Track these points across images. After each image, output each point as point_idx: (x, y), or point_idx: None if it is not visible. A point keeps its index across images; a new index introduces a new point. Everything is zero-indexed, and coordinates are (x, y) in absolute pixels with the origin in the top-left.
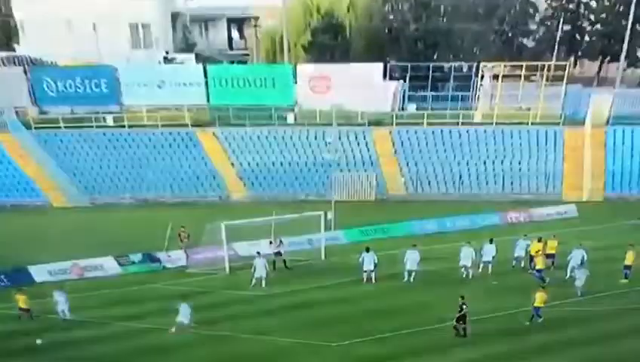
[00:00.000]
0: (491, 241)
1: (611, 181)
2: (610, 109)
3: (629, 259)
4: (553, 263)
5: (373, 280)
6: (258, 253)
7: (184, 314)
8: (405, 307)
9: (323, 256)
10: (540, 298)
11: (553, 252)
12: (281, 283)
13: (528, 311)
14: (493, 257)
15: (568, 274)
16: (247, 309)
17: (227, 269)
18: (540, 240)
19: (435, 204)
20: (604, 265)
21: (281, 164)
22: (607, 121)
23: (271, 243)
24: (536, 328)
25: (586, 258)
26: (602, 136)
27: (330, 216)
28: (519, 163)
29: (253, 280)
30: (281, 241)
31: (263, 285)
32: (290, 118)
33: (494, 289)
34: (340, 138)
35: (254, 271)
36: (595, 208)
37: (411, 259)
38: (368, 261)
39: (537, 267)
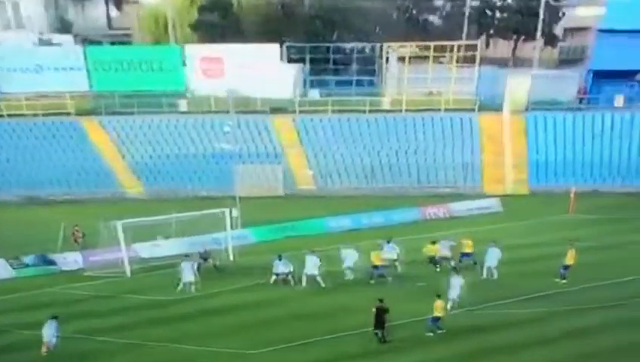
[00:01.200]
0: (389, 241)
1: (535, 172)
2: (529, 93)
3: (570, 258)
4: (475, 263)
5: (293, 283)
6: (186, 255)
7: (48, 334)
8: (326, 310)
9: (231, 257)
10: (439, 307)
11: (470, 251)
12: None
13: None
14: (396, 259)
15: (484, 275)
16: (155, 315)
17: (128, 272)
18: (434, 243)
19: (349, 199)
20: (534, 264)
21: (177, 156)
22: (526, 107)
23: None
24: (467, 332)
25: (499, 257)
26: (522, 123)
27: (235, 213)
28: (434, 153)
29: (181, 285)
30: (201, 256)
31: (192, 290)
32: (183, 106)
33: (417, 291)
34: (239, 127)
35: (181, 275)
36: (520, 202)
37: (310, 264)
38: (284, 264)
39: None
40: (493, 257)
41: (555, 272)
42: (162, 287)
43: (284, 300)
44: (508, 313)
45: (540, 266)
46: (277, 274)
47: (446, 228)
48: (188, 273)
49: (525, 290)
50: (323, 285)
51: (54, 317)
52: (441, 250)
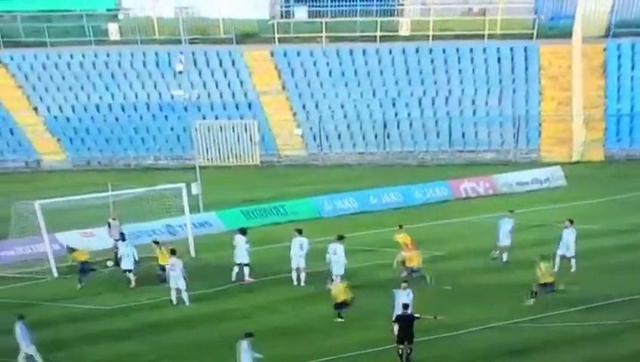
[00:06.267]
0: (340, 239)
1: (615, 130)
2: (611, 13)
3: (545, 274)
4: (427, 278)
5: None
6: (172, 251)
7: (25, 342)
8: (320, 325)
9: (193, 252)
10: (340, 291)
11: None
12: (133, 290)
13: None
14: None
15: (555, 267)
16: (88, 330)
17: (54, 271)
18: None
19: (352, 169)
20: (609, 258)
21: (110, 107)
22: (607, 32)
23: (109, 225)
24: (523, 346)
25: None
26: (599, 56)
27: (195, 189)
28: (472, 102)
29: (173, 293)
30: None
31: (186, 301)
32: (114, 32)
33: (449, 296)
34: (195, 64)
35: (168, 280)
36: (592, 172)
37: (296, 252)
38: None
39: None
40: (569, 242)
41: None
42: (97, 293)
43: (264, 309)
44: (567, 326)
45: (617, 262)
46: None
47: (485, 209)
48: (176, 276)
49: (597, 295)
50: (301, 284)
51: (21, 318)
52: (501, 236)
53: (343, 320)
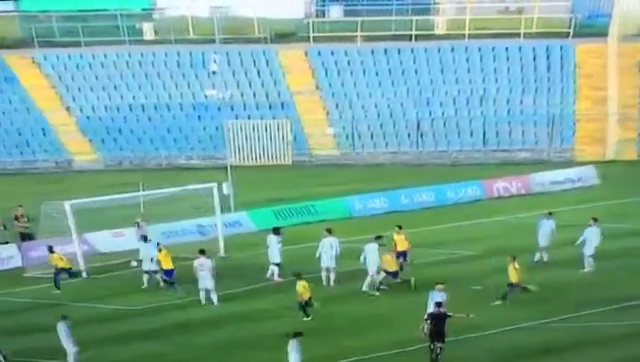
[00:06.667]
0: (378, 239)
1: None
2: None
3: (513, 274)
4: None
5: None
6: (201, 251)
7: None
8: (346, 325)
9: (222, 251)
10: (301, 289)
11: (405, 249)
12: (161, 291)
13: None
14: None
15: (586, 267)
16: (116, 331)
17: (83, 272)
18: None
19: (384, 169)
20: (635, 260)
21: (143, 107)
22: None
23: (138, 225)
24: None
25: (598, 241)
26: (636, 55)
27: (226, 189)
28: (507, 101)
29: (201, 293)
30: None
31: (215, 301)
32: (148, 32)
33: (478, 296)
34: (229, 63)
35: (198, 281)
36: (625, 171)
37: (326, 252)
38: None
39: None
40: (592, 241)
41: None
42: (126, 293)
43: (293, 309)
44: (597, 326)
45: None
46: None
47: (518, 208)
48: (205, 276)
49: (628, 295)
50: (332, 284)
51: (64, 318)
52: (540, 237)
53: (310, 318)
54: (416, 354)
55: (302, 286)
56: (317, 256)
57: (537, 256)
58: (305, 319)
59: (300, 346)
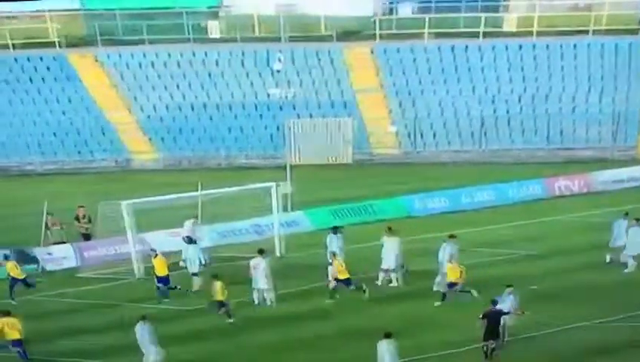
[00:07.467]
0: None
1: None
2: None
3: (453, 273)
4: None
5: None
6: (261, 251)
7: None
8: (406, 325)
9: (279, 251)
10: (218, 291)
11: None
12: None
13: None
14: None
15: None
16: (171, 331)
17: (137, 271)
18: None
19: (446, 168)
20: None
21: (205, 106)
22: None
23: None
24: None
25: None
26: None
27: (285, 188)
28: (573, 99)
29: (255, 293)
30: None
31: (270, 301)
32: (214, 30)
33: (535, 295)
34: (293, 62)
35: (252, 281)
36: None
37: (389, 253)
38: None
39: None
40: (635, 240)
41: None
42: (179, 294)
43: (348, 309)
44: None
45: None
46: (386, 271)
47: (579, 207)
48: (260, 276)
49: None
50: (396, 284)
51: (143, 318)
52: (616, 237)
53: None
54: (471, 353)
55: (220, 287)
56: (382, 255)
57: (610, 258)
58: (229, 321)
59: (392, 348)
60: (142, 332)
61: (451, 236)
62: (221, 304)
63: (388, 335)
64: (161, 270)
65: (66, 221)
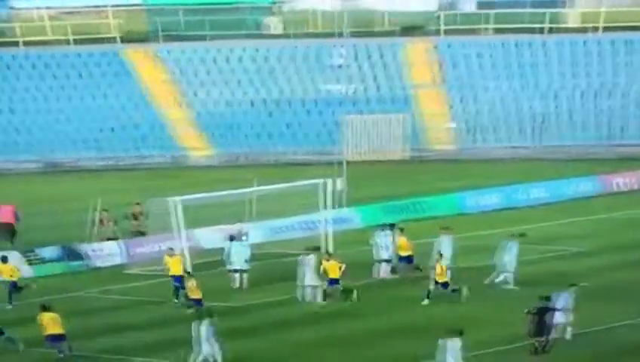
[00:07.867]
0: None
1: None
2: None
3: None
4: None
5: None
6: (316, 248)
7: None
8: (455, 323)
9: (330, 248)
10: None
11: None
12: (263, 287)
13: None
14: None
15: None
16: (220, 327)
17: (188, 268)
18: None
19: (502, 164)
20: None
21: (264, 102)
22: None
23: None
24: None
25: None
26: None
27: (340, 185)
28: (637, 95)
29: (299, 290)
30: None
31: (315, 298)
32: (275, 26)
33: (583, 293)
34: (356, 57)
35: (299, 276)
36: None
37: (445, 250)
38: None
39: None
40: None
41: None
42: (223, 291)
43: (398, 307)
44: None
45: None
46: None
47: (634, 204)
48: (308, 273)
49: None
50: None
51: (210, 315)
52: None
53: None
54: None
55: (191, 286)
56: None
57: None
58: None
59: (455, 345)
60: (204, 329)
61: (521, 235)
62: (197, 301)
63: (460, 333)
64: (176, 269)
65: (118, 217)
